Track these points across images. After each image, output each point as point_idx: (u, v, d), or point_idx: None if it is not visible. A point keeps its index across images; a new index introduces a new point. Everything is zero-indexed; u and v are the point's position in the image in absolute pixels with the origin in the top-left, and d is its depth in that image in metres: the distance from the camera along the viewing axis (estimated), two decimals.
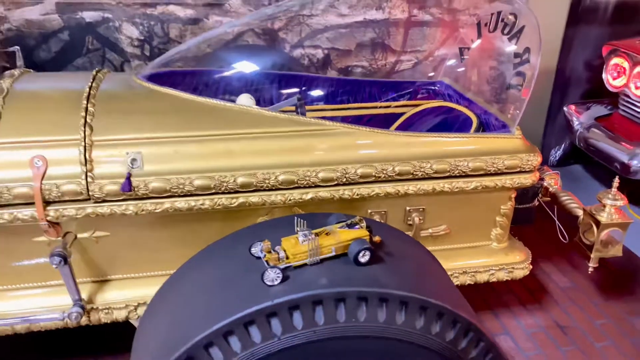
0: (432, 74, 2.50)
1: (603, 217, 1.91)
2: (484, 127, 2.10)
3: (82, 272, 1.70)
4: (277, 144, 1.69)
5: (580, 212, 2.02)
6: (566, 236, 2.10)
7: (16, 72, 1.82)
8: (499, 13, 2.09)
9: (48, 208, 1.56)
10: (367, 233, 1.23)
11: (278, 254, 1.16)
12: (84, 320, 1.71)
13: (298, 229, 1.21)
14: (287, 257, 1.16)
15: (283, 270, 1.13)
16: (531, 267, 2.08)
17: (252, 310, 1.05)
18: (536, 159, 1.88)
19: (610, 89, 3.27)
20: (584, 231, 2.00)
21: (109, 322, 1.74)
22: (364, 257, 1.18)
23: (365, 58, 3.22)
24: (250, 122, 1.71)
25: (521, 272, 2.05)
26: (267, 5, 2.95)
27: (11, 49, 1.93)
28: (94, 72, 1.86)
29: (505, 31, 2.05)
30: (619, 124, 3.26)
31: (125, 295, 1.74)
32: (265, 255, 1.17)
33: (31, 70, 1.93)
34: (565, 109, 3.52)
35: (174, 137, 1.63)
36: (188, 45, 2.12)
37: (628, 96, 3.16)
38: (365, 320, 1.10)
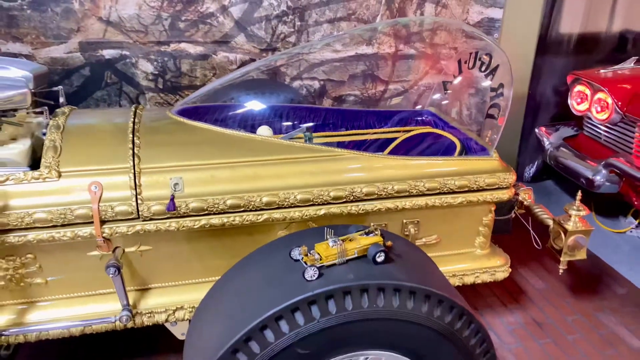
0: (419, 106, 2.78)
1: (569, 226, 2.15)
2: (466, 150, 2.34)
3: (128, 281, 1.91)
4: (295, 168, 1.93)
5: (550, 222, 2.24)
6: (539, 243, 2.30)
7: (66, 109, 2.07)
8: (476, 53, 2.39)
9: (104, 226, 1.78)
10: (381, 239, 1.51)
11: (314, 256, 1.45)
12: (129, 324, 1.92)
13: (328, 236, 1.49)
14: (321, 259, 1.44)
15: (319, 268, 1.42)
16: (510, 270, 2.29)
17: (297, 299, 1.33)
18: (511, 177, 2.11)
19: (575, 112, 3.52)
20: (554, 238, 2.23)
21: (150, 324, 1.97)
22: (380, 258, 1.47)
23: (357, 88, 3.52)
24: (271, 150, 1.96)
25: (502, 274, 2.27)
26: (269, 43, 3.27)
27: (55, 88, 2.18)
28: (133, 109, 2.12)
29: (482, 69, 2.35)
30: (584, 144, 3.50)
31: (165, 301, 1.96)
32: (303, 258, 1.46)
33: (75, 107, 2.18)
34: (536, 130, 3.75)
35: (209, 164, 1.87)
36: (210, 87, 2.38)
37: (591, 119, 3.42)
38: (383, 306, 1.38)
